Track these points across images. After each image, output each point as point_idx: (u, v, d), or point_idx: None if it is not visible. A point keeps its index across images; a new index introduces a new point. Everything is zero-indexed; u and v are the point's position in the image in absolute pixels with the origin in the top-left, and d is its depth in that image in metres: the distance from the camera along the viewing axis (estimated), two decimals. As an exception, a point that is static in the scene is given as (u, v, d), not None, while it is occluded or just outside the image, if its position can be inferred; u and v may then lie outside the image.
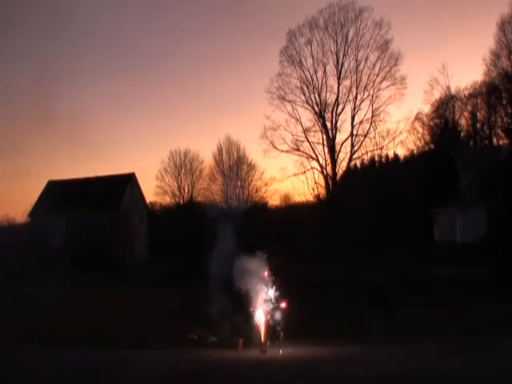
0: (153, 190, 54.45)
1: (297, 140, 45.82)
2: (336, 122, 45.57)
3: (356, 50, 44.63)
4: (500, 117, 42.96)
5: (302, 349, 11.66)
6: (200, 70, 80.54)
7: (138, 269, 36.20)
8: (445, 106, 44.27)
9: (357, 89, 44.90)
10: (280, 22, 77.38)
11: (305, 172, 45.28)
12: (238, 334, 11.79)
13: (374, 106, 44.64)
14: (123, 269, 35.19)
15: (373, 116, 44.59)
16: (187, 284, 21.06)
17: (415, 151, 44.93)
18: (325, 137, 45.54)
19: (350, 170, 45.07)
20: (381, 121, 44.48)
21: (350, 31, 44.59)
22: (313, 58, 45.20)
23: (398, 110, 46.03)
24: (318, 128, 45.76)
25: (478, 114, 43.69)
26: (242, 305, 11.75)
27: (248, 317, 11.75)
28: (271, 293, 11.84)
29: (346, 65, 45.08)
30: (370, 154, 44.93)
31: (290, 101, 45.72)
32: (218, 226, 12.25)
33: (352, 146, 45.15)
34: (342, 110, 45.46)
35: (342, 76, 45.20)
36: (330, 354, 11.40)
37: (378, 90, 44.50)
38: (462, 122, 44.84)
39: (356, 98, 44.98)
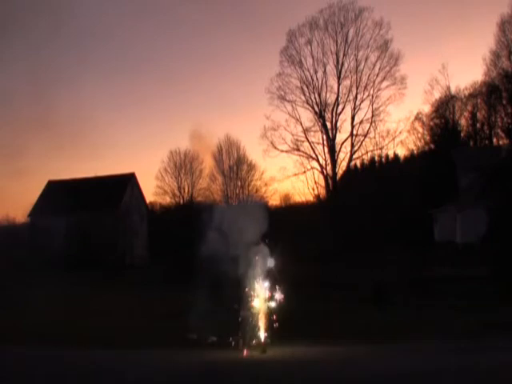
0: (153, 189, 54.61)
1: (297, 140, 46.00)
2: (336, 122, 45.73)
3: (356, 50, 44.83)
4: (500, 117, 43.00)
5: (302, 349, 11.63)
6: (200, 69, 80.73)
7: (137, 269, 36.19)
8: (445, 106, 44.29)
9: (357, 89, 45.08)
10: (280, 22, 77.58)
11: (305, 172, 45.48)
12: (231, 332, 11.65)
13: (374, 105, 44.84)
14: (123, 269, 35.17)
15: (373, 116, 44.78)
16: (187, 284, 21.01)
17: (415, 151, 45.08)
18: (325, 137, 45.68)
19: (350, 170, 45.13)
20: (381, 121, 44.70)
21: (349, 31, 44.82)
22: (313, 57, 45.41)
23: (398, 110, 46.45)
24: (318, 128, 45.94)
25: (478, 113, 43.73)
26: (233, 301, 11.58)
27: (239, 314, 11.58)
28: (266, 284, 11.62)
29: (346, 65, 45.27)
30: (369, 154, 45.14)
31: (289, 101, 45.90)
32: (206, 220, 12.07)
33: (352, 145, 45.30)
34: (342, 110, 45.63)
35: (342, 76, 45.36)
36: (329, 354, 11.38)
37: (378, 89, 44.70)
38: (462, 121, 44.95)
39: (356, 97, 45.15)
